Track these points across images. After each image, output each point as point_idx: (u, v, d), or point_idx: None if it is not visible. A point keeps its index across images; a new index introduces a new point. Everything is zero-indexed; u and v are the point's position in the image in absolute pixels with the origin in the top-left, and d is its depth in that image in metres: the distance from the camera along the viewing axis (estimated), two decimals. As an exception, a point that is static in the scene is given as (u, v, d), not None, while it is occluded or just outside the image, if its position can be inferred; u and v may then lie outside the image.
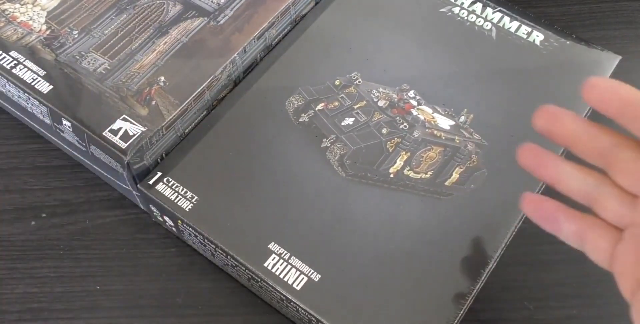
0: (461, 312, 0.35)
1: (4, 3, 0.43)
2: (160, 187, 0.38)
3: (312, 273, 0.36)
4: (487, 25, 0.45)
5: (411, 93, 0.42)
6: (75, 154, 0.43)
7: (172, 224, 0.40)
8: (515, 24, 0.45)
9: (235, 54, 0.41)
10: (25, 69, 0.40)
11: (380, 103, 0.42)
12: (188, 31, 0.42)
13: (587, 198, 0.28)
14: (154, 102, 0.39)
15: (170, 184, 0.38)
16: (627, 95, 0.25)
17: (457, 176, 0.39)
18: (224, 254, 0.37)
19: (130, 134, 0.38)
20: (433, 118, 0.41)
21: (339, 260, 0.36)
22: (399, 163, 0.39)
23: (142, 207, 0.43)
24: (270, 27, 0.43)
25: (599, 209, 0.28)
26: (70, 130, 0.39)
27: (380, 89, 0.42)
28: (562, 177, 0.28)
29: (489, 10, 0.46)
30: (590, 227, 0.28)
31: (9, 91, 0.41)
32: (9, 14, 0.42)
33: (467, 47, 0.44)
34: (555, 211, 0.29)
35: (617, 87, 0.25)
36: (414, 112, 0.41)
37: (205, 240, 0.37)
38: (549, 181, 0.29)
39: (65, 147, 0.43)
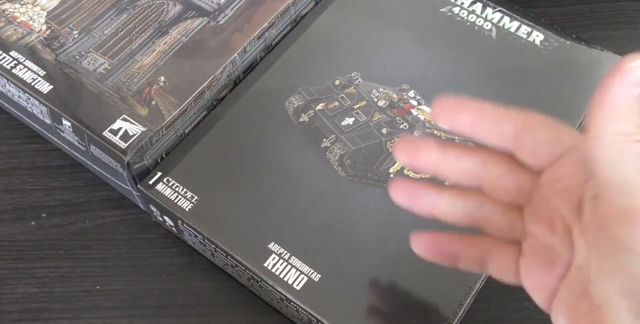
0: (461, 312, 0.35)
1: (4, 3, 0.43)
2: (160, 187, 0.38)
3: (312, 273, 0.36)
4: (487, 25, 0.45)
5: (411, 93, 0.42)
6: (75, 154, 0.43)
7: (172, 224, 0.40)
8: (515, 24, 0.45)
9: (235, 54, 0.41)
10: (25, 69, 0.40)
11: (380, 103, 0.42)
12: (188, 31, 0.42)
13: (472, 220, 0.27)
14: (154, 102, 0.39)
15: (170, 184, 0.38)
16: (474, 109, 0.25)
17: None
18: (224, 254, 0.37)
19: (130, 134, 0.38)
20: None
21: (339, 260, 0.36)
22: (399, 163, 0.39)
23: (142, 207, 0.43)
24: (270, 27, 0.43)
25: (489, 228, 0.27)
26: (70, 130, 0.39)
27: (380, 89, 0.42)
28: (440, 206, 0.27)
29: (489, 10, 0.46)
30: (489, 249, 0.27)
31: (9, 90, 0.41)
32: (9, 14, 0.42)
33: (467, 47, 0.44)
34: (449, 244, 0.28)
35: (464, 104, 0.25)
36: (414, 112, 0.41)
37: (205, 240, 0.37)
38: (427, 213, 0.27)
39: (65, 147, 0.43)
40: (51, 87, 0.39)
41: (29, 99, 0.40)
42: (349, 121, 0.41)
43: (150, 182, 0.38)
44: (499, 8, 0.46)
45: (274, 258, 0.36)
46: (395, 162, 0.39)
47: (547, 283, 0.24)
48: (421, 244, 0.28)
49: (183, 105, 0.39)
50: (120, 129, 0.38)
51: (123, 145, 0.37)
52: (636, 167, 0.21)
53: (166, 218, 0.40)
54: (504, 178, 0.26)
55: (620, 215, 0.20)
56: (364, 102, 0.42)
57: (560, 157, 0.24)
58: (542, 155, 0.25)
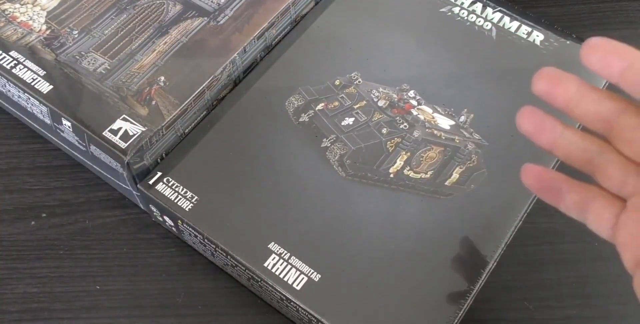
0: (461, 312, 0.35)
1: (4, 3, 0.43)
2: (160, 187, 0.38)
3: (312, 272, 0.36)
4: (487, 25, 0.45)
5: (411, 93, 0.42)
6: (75, 154, 0.43)
7: (172, 224, 0.40)
8: (515, 24, 0.45)
9: (235, 54, 0.41)
10: (25, 69, 0.40)
11: (380, 103, 0.42)
12: (188, 31, 0.42)
13: (588, 166, 0.27)
14: (154, 102, 0.39)
15: (170, 184, 0.38)
16: (630, 57, 0.24)
17: (457, 176, 0.39)
18: (224, 254, 0.37)
19: (130, 134, 0.38)
20: (433, 118, 0.41)
21: (339, 260, 0.36)
22: (399, 163, 0.39)
23: (142, 207, 0.43)
24: (270, 27, 0.43)
25: (601, 177, 0.27)
26: (70, 130, 0.39)
27: (380, 89, 0.42)
28: (562, 143, 0.27)
29: (489, 10, 0.46)
30: (593, 197, 0.27)
31: (9, 90, 0.41)
32: (9, 14, 0.42)
33: (467, 47, 0.44)
34: (556, 181, 0.28)
35: (620, 49, 0.24)
36: (414, 112, 0.41)
37: (205, 240, 0.37)
38: (547, 146, 0.27)
39: (65, 147, 0.43)
40: (51, 87, 0.39)
41: (29, 99, 0.40)
42: (349, 121, 0.41)
43: (150, 182, 0.38)
44: (499, 8, 0.46)
45: (274, 257, 0.36)
46: (395, 162, 0.39)
47: None
48: (530, 176, 0.28)
49: (183, 105, 0.39)
50: (120, 129, 0.38)
51: (123, 145, 0.37)
52: None
53: (166, 218, 0.40)
54: (635, 131, 0.25)
55: None
56: (364, 102, 0.42)
57: None
58: None
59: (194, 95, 0.40)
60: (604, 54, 0.25)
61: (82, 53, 0.41)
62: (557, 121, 0.27)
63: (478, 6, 0.46)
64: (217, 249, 0.37)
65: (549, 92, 0.27)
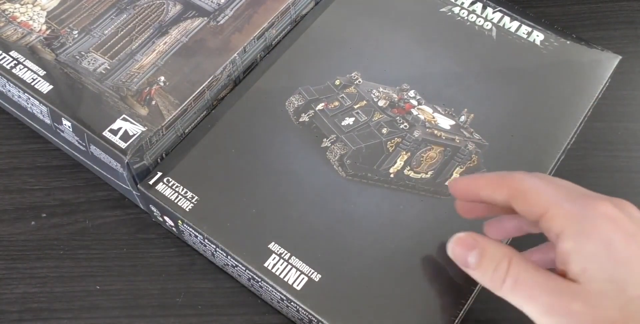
0: (461, 312, 0.35)
1: (4, 3, 0.43)
2: (160, 187, 0.38)
3: (312, 273, 0.36)
4: (487, 25, 0.45)
5: (411, 93, 0.42)
6: (75, 154, 0.43)
7: (172, 224, 0.40)
8: (515, 24, 0.45)
9: (235, 54, 0.41)
10: (25, 69, 0.40)
11: (381, 103, 0.42)
12: (188, 31, 0.42)
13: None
14: (154, 102, 0.39)
15: (170, 184, 0.38)
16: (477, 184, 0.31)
17: (458, 176, 0.39)
18: (224, 254, 0.37)
19: (130, 134, 0.38)
20: (433, 118, 0.41)
21: (339, 260, 0.36)
22: (399, 163, 0.39)
23: (142, 207, 0.43)
24: (270, 27, 0.43)
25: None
26: (70, 130, 0.39)
27: (381, 89, 0.42)
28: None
29: (489, 10, 0.46)
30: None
31: (9, 90, 0.41)
32: (9, 14, 0.42)
33: (467, 47, 0.44)
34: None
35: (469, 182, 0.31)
36: (414, 112, 0.41)
37: (206, 240, 0.37)
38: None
39: (65, 147, 0.43)
40: (51, 87, 0.39)
41: (29, 99, 0.40)
42: (349, 120, 0.41)
43: (150, 182, 0.38)
44: (499, 8, 0.46)
45: (274, 258, 0.36)
46: (395, 162, 0.39)
47: None
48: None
49: (183, 105, 0.39)
50: (120, 129, 0.38)
51: (123, 145, 0.37)
52: None
53: (166, 218, 0.40)
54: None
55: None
56: (364, 102, 0.42)
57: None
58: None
59: (194, 95, 0.40)
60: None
61: (82, 53, 0.41)
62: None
63: (478, 6, 0.46)
64: (217, 249, 0.37)
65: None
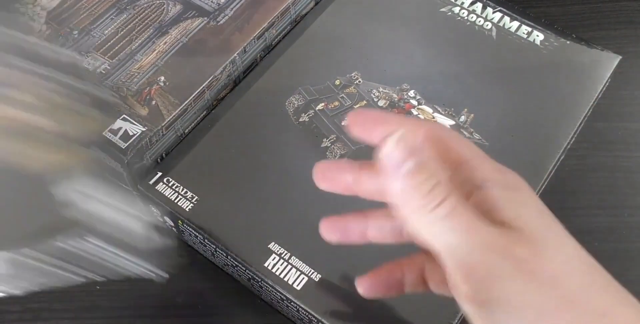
0: (461, 312, 0.35)
1: (4, 3, 0.43)
2: (160, 187, 0.38)
3: (312, 273, 0.36)
4: (487, 25, 0.45)
5: (411, 93, 0.42)
6: (75, 154, 0.43)
7: (172, 224, 0.40)
8: (515, 23, 0.45)
9: (235, 54, 0.41)
10: (25, 69, 0.40)
11: (381, 103, 0.42)
12: (188, 31, 0.42)
13: (403, 237, 0.28)
14: (154, 102, 0.39)
15: (170, 184, 0.38)
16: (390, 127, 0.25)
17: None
18: (224, 254, 0.37)
19: (130, 134, 0.38)
20: (433, 118, 0.41)
21: (339, 260, 0.36)
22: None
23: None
24: (270, 27, 0.43)
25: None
26: (70, 130, 0.39)
27: (381, 89, 0.42)
28: (371, 232, 0.28)
29: (489, 10, 0.46)
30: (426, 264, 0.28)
31: (9, 91, 0.41)
32: (9, 14, 0.42)
33: (467, 47, 0.44)
34: (391, 273, 0.29)
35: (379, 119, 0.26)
36: (414, 112, 0.41)
37: (206, 240, 0.37)
38: (362, 241, 0.29)
39: (65, 147, 0.43)
40: (51, 87, 0.39)
41: (29, 99, 0.40)
42: (349, 120, 0.41)
43: (151, 182, 0.38)
44: (499, 8, 0.46)
45: (274, 258, 0.36)
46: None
47: None
48: (366, 288, 0.29)
49: (183, 105, 0.39)
50: (120, 129, 0.38)
51: (123, 145, 0.37)
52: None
53: (166, 218, 0.40)
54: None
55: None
56: (364, 102, 0.42)
57: None
58: None
59: (194, 95, 0.40)
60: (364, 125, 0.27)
61: (82, 53, 0.41)
62: (356, 215, 0.28)
63: (478, 6, 0.46)
64: (217, 249, 0.37)
65: (330, 186, 0.28)
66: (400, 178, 0.23)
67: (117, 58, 0.41)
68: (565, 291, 0.22)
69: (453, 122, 0.41)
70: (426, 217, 0.23)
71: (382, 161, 0.23)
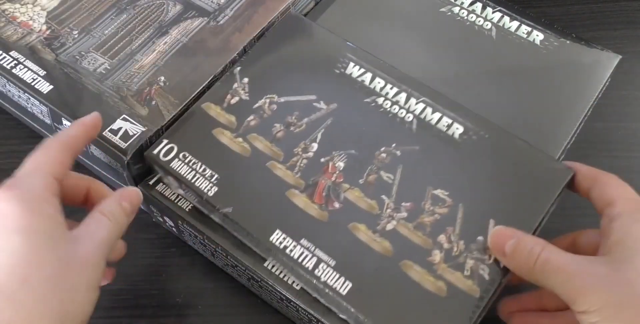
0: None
1: (4, 3, 0.43)
2: (160, 187, 0.38)
3: (312, 272, 0.36)
4: (487, 25, 0.45)
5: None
6: (75, 154, 0.43)
7: (172, 224, 0.40)
8: (515, 23, 0.45)
9: (235, 54, 0.41)
10: (26, 69, 0.40)
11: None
12: (188, 31, 0.42)
13: None
14: (154, 102, 0.39)
15: (170, 184, 0.38)
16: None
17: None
18: (224, 254, 0.37)
19: (130, 134, 0.38)
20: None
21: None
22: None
23: (142, 207, 0.42)
24: (270, 27, 0.43)
25: None
26: (70, 130, 0.39)
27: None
28: None
29: (488, 10, 0.46)
30: None
31: (9, 90, 0.41)
32: (9, 14, 0.42)
33: (467, 47, 0.44)
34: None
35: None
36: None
37: (206, 240, 0.37)
38: None
39: (65, 147, 0.43)
40: (51, 87, 0.39)
41: (29, 99, 0.40)
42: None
43: (151, 182, 0.38)
44: (499, 8, 0.46)
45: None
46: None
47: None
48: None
49: (183, 105, 0.39)
50: (120, 129, 0.38)
51: (123, 145, 0.37)
52: None
53: (166, 218, 0.40)
54: None
55: None
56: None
57: None
58: None
59: (194, 95, 0.40)
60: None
61: (82, 53, 0.41)
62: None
63: (478, 6, 0.46)
64: (217, 249, 0.37)
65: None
66: (505, 260, 0.33)
67: (117, 58, 0.41)
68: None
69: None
70: (531, 274, 0.31)
71: None
